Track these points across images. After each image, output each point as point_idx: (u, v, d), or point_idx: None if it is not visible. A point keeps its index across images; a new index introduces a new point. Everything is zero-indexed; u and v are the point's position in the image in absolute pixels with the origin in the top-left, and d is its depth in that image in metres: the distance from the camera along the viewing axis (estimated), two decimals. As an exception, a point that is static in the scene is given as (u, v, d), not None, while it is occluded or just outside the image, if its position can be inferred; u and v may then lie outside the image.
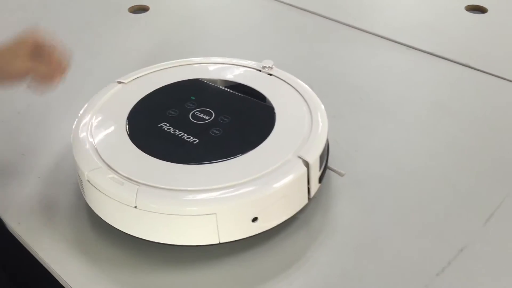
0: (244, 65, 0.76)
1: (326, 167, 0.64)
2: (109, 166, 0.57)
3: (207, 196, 0.54)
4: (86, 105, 0.67)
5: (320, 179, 0.62)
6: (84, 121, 0.64)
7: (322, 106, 0.66)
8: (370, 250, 0.58)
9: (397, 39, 0.95)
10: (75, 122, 0.64)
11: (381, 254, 0.58)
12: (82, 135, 0.62)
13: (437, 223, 0.61)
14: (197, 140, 0.61)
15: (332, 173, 0.67)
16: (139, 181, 0.55)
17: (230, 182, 0.55)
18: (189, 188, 0.55)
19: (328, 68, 0.91)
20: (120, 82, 0.72)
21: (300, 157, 0.58)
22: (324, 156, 0.62)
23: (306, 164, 0.58)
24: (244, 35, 1.02)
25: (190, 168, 0.57)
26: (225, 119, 0.64)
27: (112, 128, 0.63)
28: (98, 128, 0.63)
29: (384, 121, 0.78)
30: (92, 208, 0.60)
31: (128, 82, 0.72)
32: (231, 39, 1.00)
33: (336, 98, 0.83)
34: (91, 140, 0.61)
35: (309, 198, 0.60)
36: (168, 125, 0.63)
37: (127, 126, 0.63)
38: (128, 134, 0.62)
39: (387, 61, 0.93)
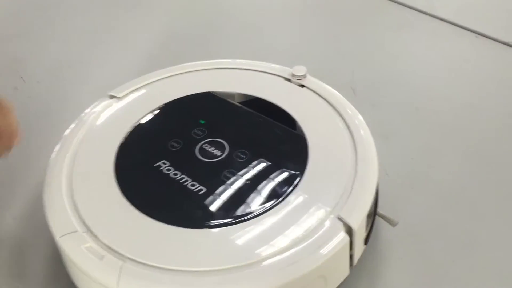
0: (269, 71, 0.59)
1: (374, 217, 0.49)
2: (88, 228, 0.44)
3: (213, 281, 0.40)
4: (63, 138, 0.52)
5: (366, 240, 0.47)
6: (59, 162, 0.49)
7: (371, 138, 0.50)
8: None
9: (465, 24, 0.77)
10: (48, 163, 0.50)
11: None
12: (55, 183, 0.48)
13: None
14: (204, 190, 0.46)
15: (380, 220, 0.52)
16: (124, 253, 0.41)
17: (246, 260, 0.40)
18: (190, 269, 0.40)
19: (375, 63, 0.74)
20: (113, 97, 0.57)
21: (340, 219, 0.43)
22: (372, 210, 0.47)
23: (349, 230, 0.43)
24: (267, 24, 0.84)
25: (194, 235, 0.43)
26: (242, 155, 0.49)
27: (96, 170, 0.49)
28: (78, 172, 0.48)
29: (448, 141, 0.61)
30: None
31: (123, 96, 0.57)
32: (250, 32, 0.82)
33: (386, 107, 0.66)
34: (67, 190, 0.47)
35: (351, 266, 0.46)
36: (168, 164, 0.48)
37: (116, 167, 0.49)
38: (116, 180, 0.47)
39: (452, 53, 0.74)
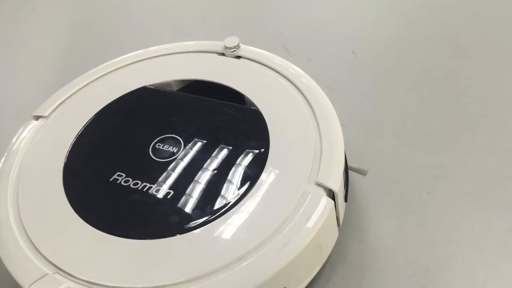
0: (200, 49, 0.56)
1: (347, 172, 0.49)
2: (57, 268, 0.39)
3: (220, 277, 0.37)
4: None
5: (346, 198, 0.47)
6: (2, 203, 0.44)
7: (324, 94, 0.49)
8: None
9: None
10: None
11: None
12: (5, 228, 0.42)
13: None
14: (172, 192, 0.43)
15: (352, 173, 0.52)
16: (108, 284, 0.38)
17: (242, 251, 0.38)
18: (192, 277, 0.38)
19: (298, 16, 0.72)
20: (39, 117, 0.51)
21: (320, 185, 0.42)
22: (345, 166, 0.46)
23: (331, 193, 0.42)
24: (173, 4, 0.80)
25: (180, 242, 0.40)
26: (199, 146, 0.46)
27: (46, 203, 0.43)
28: (27, 209, 0.43)
29: (391, 78, 0.61)
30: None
31: (49, 113, 0.52)
32: (168, 19, 0.78)
33: (323, 58, 0.65)
34: (20, 231, 0.42)
35: (338, 227, 0.45)
36: (124, 175, 0.45)
37: (68, 192, 0.44)
38: (73, 208, 0.43)
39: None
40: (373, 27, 0.69)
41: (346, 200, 0.47)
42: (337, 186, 0.42)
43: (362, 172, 0.51)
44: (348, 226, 0.47)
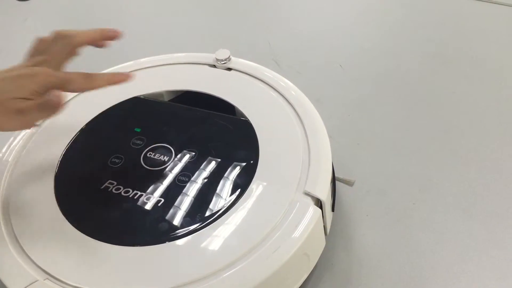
0: (192, 61, 0.57)
1: (334, 183, 0.50)
2: (47, 273, 0.40)
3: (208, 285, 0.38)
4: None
5: (333, 207, 0.48)
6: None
7: (312, 106, 0.50)
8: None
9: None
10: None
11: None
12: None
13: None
14: (163, 200, 0.44)
15: (338, 184, 0.53)
16: (97, 289, 0.39)
17: (231, 258, 0.39)
18: (169, 286, 0.38)
19: (288, 30, 0.74)
20: (31, 125, 0.52)
21: (307, 194, 0.43)
22: (332, 177, 0.47)
23: (318, 202, 0.43)
24: (164, 16, 0.81)
25: (170, 249, 0.40)
26: (190, 155, 0.47)
27: (39, 211, 0.44)
28: (18, 217, 0.43)
29: (379, 89, 0.63)
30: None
31: (41, 122, 0.52)
32: (159, 31, 0.79)
33: (311, 71, 0.67)
34: (10, 237, 0.42)
35: (325, 236, 0.46)
36: (115, 183, 0.45)
37: (58, 200, 0.44)
38: (64, 216, 0.43)
39: (354, 2, 0.76)
40: (359, 40, 0.71)
41: (333, 210, 0.48)
42: (325, 195, 0.43)
43: (349, 183, 0.52)
44: (335, 235, 0.48)
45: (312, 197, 0.42)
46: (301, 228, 0.40)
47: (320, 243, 0.45)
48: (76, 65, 0.73)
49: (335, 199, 0.48)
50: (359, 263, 0.46)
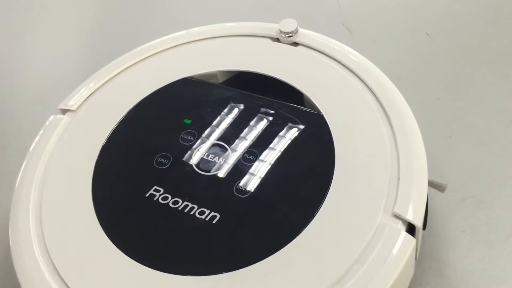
0: (251, 33, 0.48)
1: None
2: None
3: None
4: (19, 181, 0.40)
5: (425, 225, 0.39)
6: (21, 213, 0.38)
7: (402, 98, 0.40)
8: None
9: None
10: (10, 225, 0.39)
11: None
12: (25, 245, 0.36)
13: None
14: (218, 216, 0.36)
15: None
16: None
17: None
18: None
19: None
20: (66, 110, 0.45)
21: (397, 216, 0.34)
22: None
23: (411, 227, 0.34)
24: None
25: (225, 282, 0.33)
26: (251, 157, 0.39)
27: (73, 218, 0.37)
28: (50, 225, 0.37)
29: (476, 67, 0.52)
30: None
31: (78, 107, 0.45)
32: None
33: (390, 41, 0.56)
34: (44, 254, 0.36)
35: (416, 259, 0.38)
36: (162, 190, 0.38)
37: (97, 211, 0.38)
38: (101, 226, 0.37)
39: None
40: (449, 1, 0.59)
41: (424, 228, 0.39)
42: (419, 219, 0.34)
43: (440, 188, 0.43)
44: (423, 255, 0.40)
45: (404, 220, 0.34)
46: (391, 263, 0.32)
47: (410, 272, 0.36)
48: (129, 31, 0.65)
49: (427, 214, 0.39)
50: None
